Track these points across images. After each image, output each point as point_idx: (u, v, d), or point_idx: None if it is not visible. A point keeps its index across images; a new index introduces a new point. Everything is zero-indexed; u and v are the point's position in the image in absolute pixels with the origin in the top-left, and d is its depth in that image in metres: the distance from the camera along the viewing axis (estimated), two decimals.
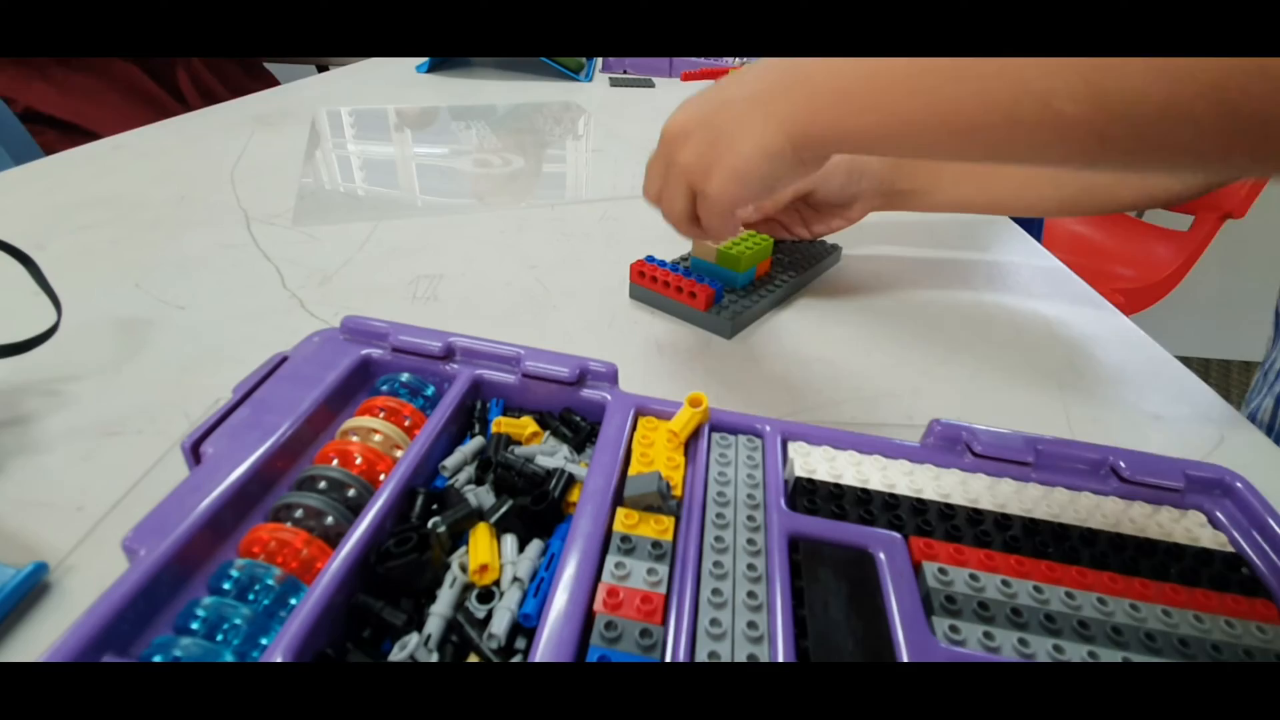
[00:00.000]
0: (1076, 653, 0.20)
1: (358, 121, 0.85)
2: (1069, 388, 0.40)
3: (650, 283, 0.44)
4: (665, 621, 0.20)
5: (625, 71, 1.21)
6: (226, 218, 0.55)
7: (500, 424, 0.28)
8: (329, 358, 0.29)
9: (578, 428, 0.28)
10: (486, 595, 0.21)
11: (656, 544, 0.22)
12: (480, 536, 0.23)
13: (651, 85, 1.13)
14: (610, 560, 0.21)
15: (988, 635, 0.21)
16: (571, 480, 0.25)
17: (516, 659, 0.19)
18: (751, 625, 0.20)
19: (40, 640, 0.23)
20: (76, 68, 0.84)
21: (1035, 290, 0.51)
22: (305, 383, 0.27)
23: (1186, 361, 0.43)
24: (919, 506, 0.25)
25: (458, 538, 0.23)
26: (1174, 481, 0.27)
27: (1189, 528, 0.26)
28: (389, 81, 1.05)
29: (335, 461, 0.24)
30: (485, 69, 1.15)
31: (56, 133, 0.80)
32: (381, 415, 0.27)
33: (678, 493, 0.24)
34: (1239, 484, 0.26)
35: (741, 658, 0.19)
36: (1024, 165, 0.28)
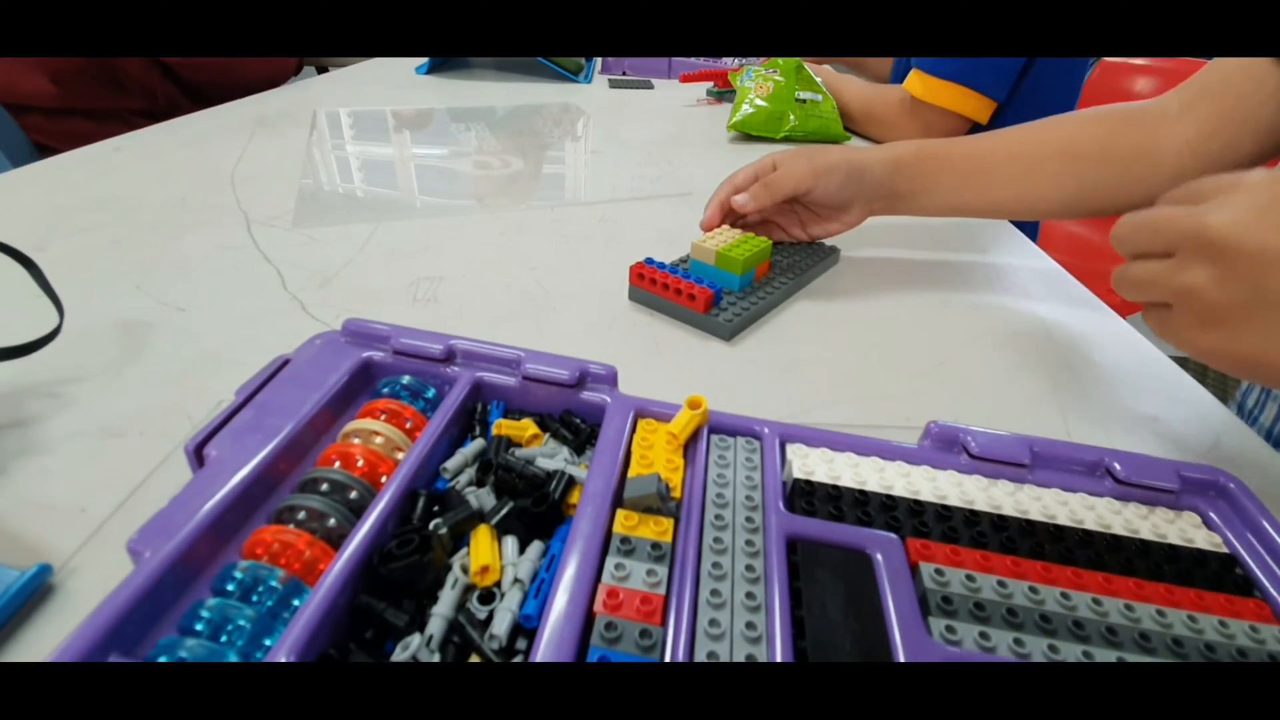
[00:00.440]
0: (1071, 653, 0.21)
1: (357, 123, 0.85)
2: (1065, 389, 0.40)
3: (649, 285, 0.45)
4: (665, 622, 0.20)
5: (624, 73, 1.22)
6: (227, 220, 0.55)
7: (501, 426, 0.28)
8: (330, 360, 0.29)
9: (578, 430, 0.28)
10: (488, 596, 0.21)
11: (656, 545, 0.22)
12: (481, 538, 0.23)
13: (650, 86, 1.13)
14: (610, 561, 0.22)
15: (983, 635, 0.21)
16: (572, 482, 0.25)
17: (517, 659, 0.20)
18: (750, 626, 0.20)
19: (45, 642, 0.23)
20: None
21: (1032, 292, 0.51)
22: (307, 385, 0.27)
23: (1183, 363, 0.44)
24: (916, 508, 0.25)
25: (459, 539, 0.23)
26: (1169, 483, 0.27)
27: (1184, 529, 0.26)
28: (388, 83, 1.05)
29: (337, 464, 0.24)
30: (484, 71, 1.15)
31: (40, 115, 0.79)
32: (383, 418, 0.27)
33: (677, 494, 0.25)
34: (1233, 485, 0.27)
35: (740, 658, 0.19)
36: None
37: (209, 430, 0.25)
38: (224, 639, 0.19)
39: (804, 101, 0.85)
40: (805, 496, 0.25)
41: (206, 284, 0.45)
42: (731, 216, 0.50)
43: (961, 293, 0.51)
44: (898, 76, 0.86)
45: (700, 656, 0.19)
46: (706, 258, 0.46)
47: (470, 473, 0.26)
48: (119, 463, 0.30)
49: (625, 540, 0.22)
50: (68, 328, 0.35)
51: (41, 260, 0.35)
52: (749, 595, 0.21)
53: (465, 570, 0.22)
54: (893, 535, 0.24)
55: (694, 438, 0.28)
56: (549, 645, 0.19)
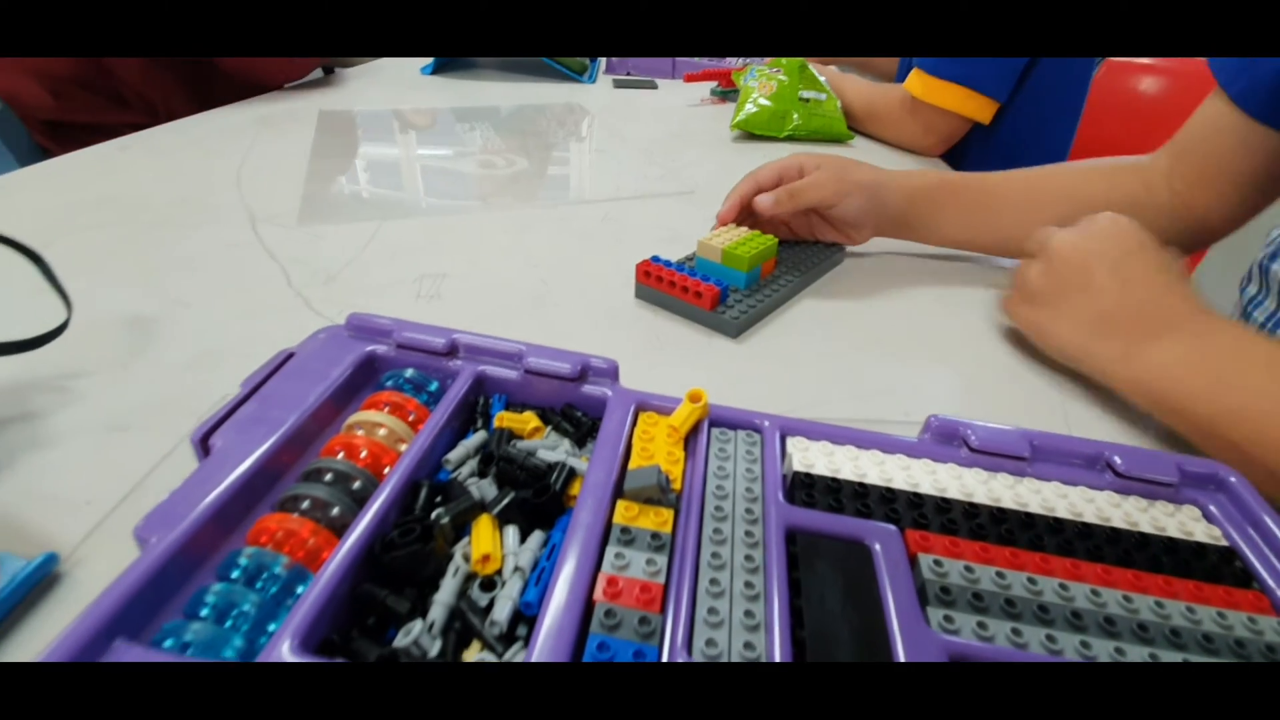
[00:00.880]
0: (1069, 643, 0.21)
1: (362, 123, 0.85)
2: (1066, 385, 0.40)
3: (656, 282, 0.45)
4: (664, 610, 0.20)
5: (628, 73, 1.22)
6: (232, 217, 0.55)
7: (503, 419, 0.28)
8: (335, 354, 0.29)
9: (579, 423, 0.29)
10: (489, 584, 0.21)
11: (656, 535, 0.23)
12: (483, 528, 0.23)
13: (654, 86, 1.13)
14: (610, 551, 0.22)
15: (981, 625, 0.21)
16: (572, 474, 0.25)
17: (518, 645, 0.20)
18: (749, 614, 0.20)
19: (51, 628, 0.23)
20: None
21: None
22: (311, 378, 0.28)
23: None
24: (915, 500, 0.26)
25: (461, 529, 0.23)
26: (1169, 476, 0.27)
27: (1183, 522, 0.26)
28: (393, 83, 1.06)
29: (341, 454, 0.25)
30: (489, 71, 1.16)
31: (41, 127, 0.79)
32: (386, 410, 0.27)
33: (677, 486, 0.25)
34: (1233, 479, 0.27)
35: (739, 645, 0.20)
36: None
37: (214, 421, 0.25)
38: (229, 624, 0.19)
39: (807, 101, 0.85)
40: (805, 489, 0.25)
41: (211, 281, 0.46)
42: (748, 212, 0.51)
43: (964, 289, 0.51)
44: (903, 76, 0.86)
45: (699, 644, 0.20)
46: (713, 255, 0.46)
47: (472, 464, 0.26)
48: (124, 456, 0.31)
49: (625, 530, 0.23)
50: (74, 323, 0.35)
51: (49, 257, 0.36)
52: (748, 585, 0.21)
53: (467, 559, 0.22)
54: (892, 527, 0.24)
55: (695, 431, 0.28)
56: (549, 632, 0.19)
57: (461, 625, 0.20)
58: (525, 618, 0.21)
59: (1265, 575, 0.24)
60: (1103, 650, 0.21)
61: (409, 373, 0.30)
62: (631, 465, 0.25)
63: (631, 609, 0.20)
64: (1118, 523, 0.26)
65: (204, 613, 0.19)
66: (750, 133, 0.86)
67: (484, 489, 0.24)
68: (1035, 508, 0.26)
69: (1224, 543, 0.25)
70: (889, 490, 0.26)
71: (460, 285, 0.47)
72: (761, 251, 0.46)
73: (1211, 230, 0.51)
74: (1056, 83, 0.82)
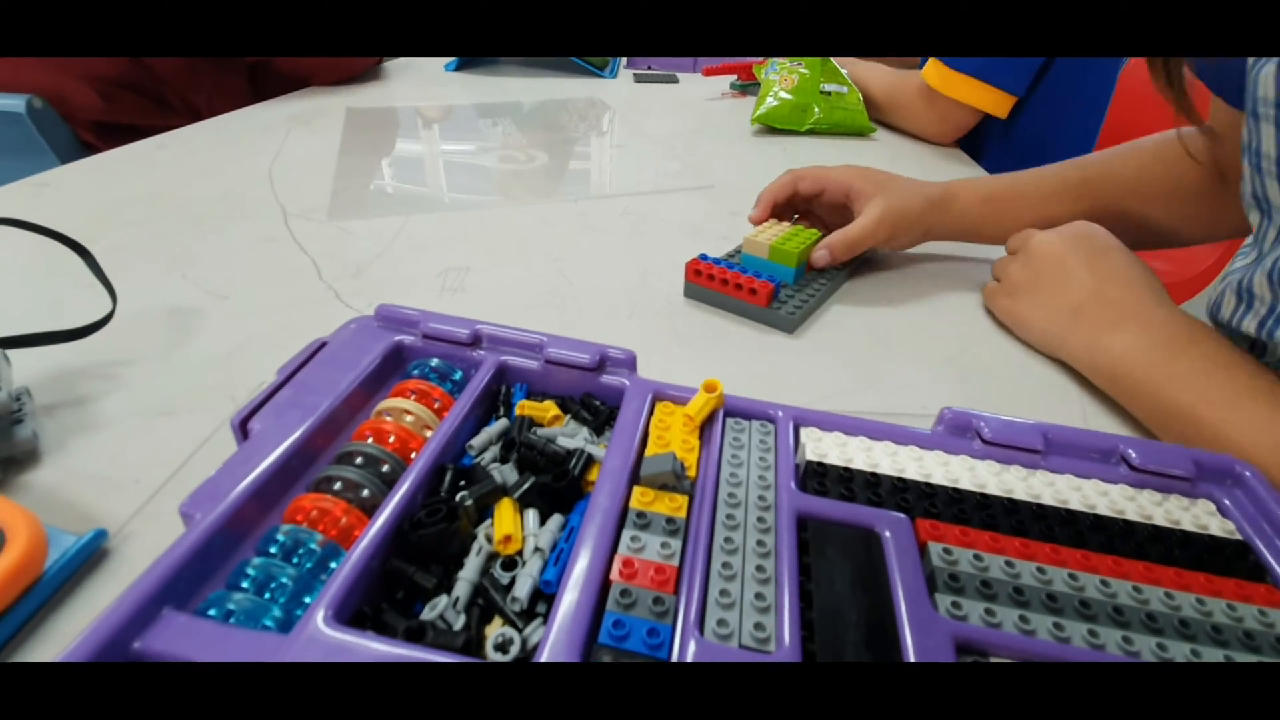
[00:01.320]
0: (1076, 631, 0.21)
1: (389, 120, 0.87)
2: (1086, 382, 0.40)
3: (708, 281, 0.45)
4: (677, 591, 0.21)
5: (649, 68, 1.22)
6: (265, 213, 0.57)
7: (524, 407, 0.29)
8: (364, 343, 0.31)
9: (597, 411, 0.29)
10: (510, 563, 0.22)
11: (670, 520, 0.23)
12: (504, 510, 0.24)
13: (675, 81, 1.14)
14: (626, 534, 0.23)
15: (989, 612, 0.21)
16: (591, 460, 0.26)
17: (537, 622, 0.21)
18: (759, 596, 0.21)
19: (101, 599, 0.25)
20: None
21: None
22: (343, 366, 0.29)
23: None
24: (927, 491, 0.26)
25: (484, 511, 0.24)
26: (1184, 470, 0.27)
27: (1198, 516, 0.26)
28: (418, 80, 1.07)
29: (371, 439, 0.26)
30: (511, 66, 1.17)
31: (87, 126, 0.82)
32: (413, 397, 0.28)
33: (692, 473, 0.26)
34: (1249, 473, 0.27)
35: (749, 626, 0.20)
36: None
37: (253, 406, 0.26)
38: (268, 595, 0.20)
39: (829, 94, 0.85)
40: (818, 478, 0.26)
41: (247, 274, 0.48)
42: (779, 211, 0.51)
43: (980, 285, 0.50)
44: (924, 62, 0.85)
45: (710, 624, 0.20)
46: (759, 251, 0.46)
47: (495, 450, 0.27)
48: (169, 438, 0.32)
49: (641, 515, 0.23)
50: (120, 314, 0.37)
51: (94, 251, 0.38)
52: (759, 569, 0.22)
53: (489, 539, 0.23)
54: (902, 516, 0.24)
55: (710, 420, 0.29)
56: (567, 609, 0.20)
57: (484, 601, 0.21)
58: (544, 595, 0.22)
59: (1279, 570, 0.24)
60: (1110, 639, 0.21)
61: (434, 362, 0.31)
62: (648, 452, 0.26)
63: (646, 589, 0.21)
64: (1131, 516, 0.26)
65: (245, 584, 0.21)
66: (771, 127, 0.86)
67: (505, 474, 0.25)
68: (1048, 499, 0.26)
69: (1238, 537, 0.25)
70: (901, 480, 0.26)
71: (483, 278, 0.48)
72: (809, 246, 0.46)
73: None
74: (1078, 76, 0.80)
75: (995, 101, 0.78)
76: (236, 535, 0.22)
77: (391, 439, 0.26)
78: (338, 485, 0.24)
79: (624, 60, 1.26)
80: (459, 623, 0.21)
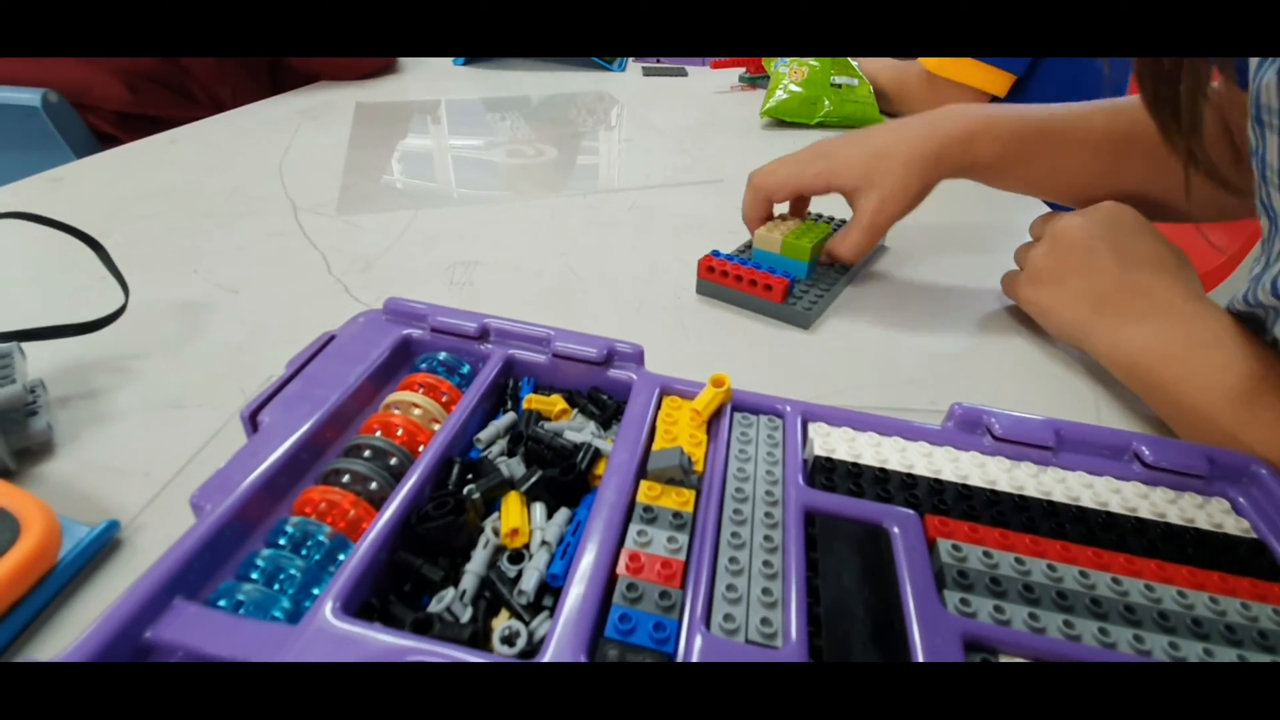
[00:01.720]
0: (1087, 629, 0.21)
1: (397, 114, 0.87)
2: (1099, 377, 0.39)
3: (721, 277, 0.44)
4: (684, 585, 0.21)
5: (658, 61, 1.22)
6: (275, 207, 0.57)
7: (531, 401, 0.29)
8: (373, 337, 0.31)
9: (604, 405, 0.29)
10: (517, 557, 0.22)
11: (677, 514, 0.23)
12: (511, 503, 0.24)
13: (684, 74, 1.13)
14: (633, 528, 0.23)
15: (998, 609, 0.21)
16: (598, 454, 0.26)
17: (544, 615, 0.21)
18: (766, 591, 0.21)
19: (113, 589, 0.25)
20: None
21: None
22: (351, 359, 0.29)
23: None
24: (936, 487, 0.26)
25: (491, 504, 0.24)
26: (1198, 468, 0.27)
27: (1212, 514, 0.26)
28: (427, 75, 1.07)
29: (379, 432, 0.26)
30: (520, 61, 1.17)
31: (109, 115, 0.83)
32: (421, 391, 0.28)
33: (699, 468, 0.26)
34: (1264, 472, 0.26)
35: (756, 621, 0.20)
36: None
37: (262, 399, 0.26)
38: (277, 586, 0.21)
39: (839, 87, 0.84)
40: (825, 473, 0.26)
41: (257, 268, 0.48)
42: (771, 209, 0.50)
43: (995, 278, 0.50)
44: None
45: (717, 618, 0.20)
46: (771, 246, 0.46)
47: (502, 444, 0.27)
48: (179, 431, 0.32)
49: (648, 509, 0.23)
50: (132, 307, 0.37)
51: (106, 245, 0.38)
52: (766, 564, 0.22)
53: (496, 533, 0.23)
54: (911, 512, 0.24)
55: (717, 415, 0.28)
56: (574, 602, 0.20)
57: (491, 594, 0.21)
58: (551, 589, 0.22)
59: None
60: (1122, 638, 0.21)
61: (442, 355, 0.31)
62: (655, 447, 0.26)
63: (653, 583, 0.21)
64: (1144, 513, 0.25)
65: (254, 575, 0.21)
66: (780, 120, 0.85)
67: (513, 467, 0.26)
68: (1059, 496, 0.26)
69: (1254, 535, 0.25)
70: (910, 476, 0.26)
71: (491, 272, 0.48)
72: (821, 241, 0.46)
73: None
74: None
75: (994, 80, 0.79)
76: (246, 527, 0.22)
77: (399, 432, 0.26)
78: (346, 478, 0.24)
79: None
80: (466, 615, 0.21)
